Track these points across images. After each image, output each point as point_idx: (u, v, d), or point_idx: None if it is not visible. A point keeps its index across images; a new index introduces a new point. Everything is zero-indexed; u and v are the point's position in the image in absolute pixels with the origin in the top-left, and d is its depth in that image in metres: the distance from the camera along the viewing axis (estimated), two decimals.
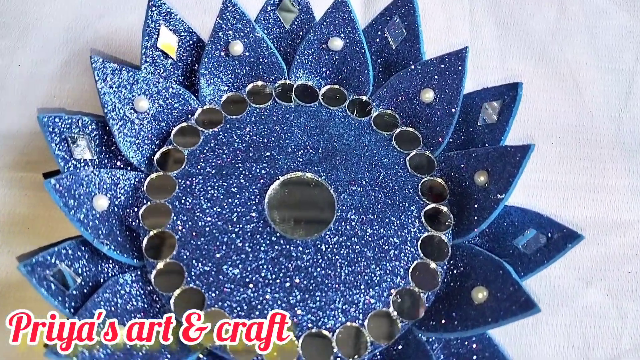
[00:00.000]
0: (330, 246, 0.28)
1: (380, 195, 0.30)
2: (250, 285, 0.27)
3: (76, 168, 0.29)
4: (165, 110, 0.32)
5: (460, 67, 0.31)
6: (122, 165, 0.30)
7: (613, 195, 0.34)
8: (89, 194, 0.27)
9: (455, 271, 0.28)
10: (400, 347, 0.27)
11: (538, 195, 0.33)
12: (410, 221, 0.30)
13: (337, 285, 0.27)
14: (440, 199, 0.30)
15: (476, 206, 0.29)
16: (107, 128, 0.30)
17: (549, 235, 0.27)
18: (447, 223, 0.30)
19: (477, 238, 0.30)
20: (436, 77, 0.32)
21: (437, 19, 0.40)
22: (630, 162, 0.35)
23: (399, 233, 0.29)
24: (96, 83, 0.29)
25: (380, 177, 0.31)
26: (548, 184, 0.34)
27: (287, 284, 0.27)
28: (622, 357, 0.29)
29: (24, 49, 0.37)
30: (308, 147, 0.32)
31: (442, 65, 0.32)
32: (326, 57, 0.34)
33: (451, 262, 0.29)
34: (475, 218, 0.29)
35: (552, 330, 0.30)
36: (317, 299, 0.27)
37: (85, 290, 0.26)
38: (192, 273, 0.27)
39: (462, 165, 0.31)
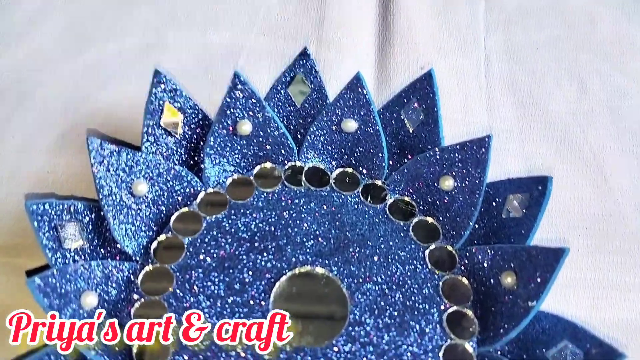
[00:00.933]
0: (343, 356, 0.25)
1: (397, 295, 0.28)
2: None
3: (65, 258, 0.26)
4: (165, 194, 0.29)
5: (483, 156, 0.29)
6: (116, 254, 0.28)
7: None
8: (77, 291, 0.25)
9: None
10: None
11: (566, 294, 0.31)
12: (430, 327, 0.27)
13: None
14: (463, 300, 0.28)
15: (503, 310, 0.27)
16: (102, 213, 0.27)
17: (586, 350, 0.24)
18: (471, 329, 0.27)
19: (508, 346, 0.27)
20: (457, 164, 0.30)
21: (453, 96, 0.39)
22: None
23: (419, 341, 0.26)
24: (92, 167, 0.27)
25: (397, 274, 0.28)
26: (577, 282, 0.32)
27: None
28: None
29: (19, 119, 0.35)
30: (319, 237, 0.29)
31: (464, 153, 0.30)
32: (339, 138, 0.32)
33: None
34: (503, 324, 0.26)
35: None
36: None
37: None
38: None
39: (487, 263, 0.28)
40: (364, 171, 0.32)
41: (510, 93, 0.40)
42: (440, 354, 0.26)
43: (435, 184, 0.31)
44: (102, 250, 0.28)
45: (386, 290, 0.28)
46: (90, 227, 0.27)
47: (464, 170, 0.30)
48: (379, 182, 0.32)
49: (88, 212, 0.27)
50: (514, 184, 0.29)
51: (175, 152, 0.31)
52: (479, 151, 0.29)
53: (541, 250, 0.26)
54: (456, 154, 0.30)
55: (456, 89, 0.39)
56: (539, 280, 0.25)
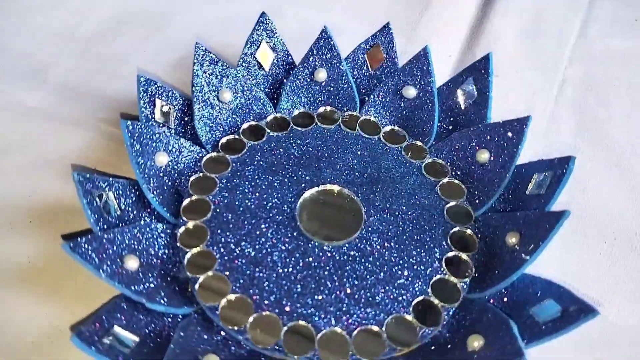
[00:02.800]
0: (344, 258, 0.29)
1: (408, 229, 0.31)
2: (259, 267, 0.28)
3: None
4: (243, 108, 0.36)
5: (519, 134, 0.32)
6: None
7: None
8: (155, 150, 0.31)
9: (460, 319, 0.28)
10: None
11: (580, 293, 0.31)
12: (429, 260, 0.30)
13: (337, 293, 0.28)
14: (467, 250, 0.30)
15: (501, 264, 0.29)
16: (191, 106, 0.34)
17: (564, 307, 0.26)
18: (466, 273, 0.29)
19: (497, 303, 0.28)
20: (495, 139, 0.33)
21: (517, 107, 0.41)
22: None
23: (415, 268, 0.29)
24: (193, 65, 0.34)
25: (414, 215, 0.32)
26: (589, 277, 0.32)
27: (292, 278, 0.28)
28: None
29: (150, 43, 0.44)
30: (355, 170, 0.33)
31: (503, 129, 0.33)
32: (398, 102, 0.36)
33: (461, 312, 0.28)
34: (497, 275, 0.28)
35: None
36: (314, 299, 0.28)
37: (119, 224, 0.29)
38: (213, 239, 0.29)
39: (499, 225, 0.30)
40: (414, 135, 0.36)
41: (575, 117, 0.41)
42: (430, 282, 0.29)
43: (473, 156, 0.34)
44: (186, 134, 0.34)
45: (399, 223, 0.31)
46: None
47: (500, 146, 0.33)
48: (421, 144, 0.35)
49: (182, 101, 0.34)
50: (541, 164, 0.31)
51: (261, 82, 0.37)
52: (517, 129, 0.32)
53: (546, 214, 0.28)
54: (496, 130, 0.33)
55: (522, 102, 0.42)
56: (538, 238, 0.27)
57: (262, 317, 0.27)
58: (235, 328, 0.26)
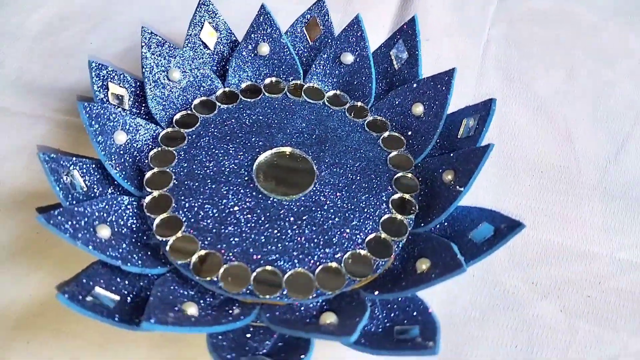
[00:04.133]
0: (301, 209, 0.32)
1: (356, 179, 0.34)
2: (224, 224, 0.31)
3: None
4: (193, 85, 0.38)
5: (447, 85, 0.35)
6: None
7: (585, 229, 0.35)
8: (113, 129, 0.33)
9: (409, 250, 0.31)
10: (343, 301, 0.29)
11: (511, 215, 0.35)
12: (377, 203, 0.33)
13: (298, 239, 0.31)
14: (410, 191, 0.34)
15: (440, 201, 0.32)
16: (143, 88, 0.36)
17: (497, 226, 0.29)
18: (411, 211, 0.33)
19: (441, 234, 0.32)
20: (427, 93, 0.36)
21: (449, 65, 0.45)
22: (608, 205, 0.37)
23: (366, 210, 0.32)
24: (141, 48, 0.36)
25: (361, 166, 0.35)
26: (523, 207, 0.36)
27: (255, 231, 0.31)
28: None
29: (97, 33, 0.45)
30: (304, 133, 0.36)
31: (433, 83, 0.36)
32: (337, 68, 0.39)
33: (409, 245, 0.31)
34: (437, 210, 0.32)
35: (500, 328, 0.31)
36: (277, 246, 0.30)
37: (86, 200, 0.31)
38: (178, 205, 0.31)
39: (436, 166, 0.34)
40: (354, 98, 0.39)
41: (501, 70, 0.46)
42: (380, 221, 0.32)
43: (409, 110, 0.37)
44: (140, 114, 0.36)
45: (348, 175, 0.34)
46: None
47: (432, 98, 0.36)
48: (361, 104, 0.38)
49: (134, 83, 0.36)
50: (468, 110, 0.35)
51: (208, 61, 0.40)
52: (445, 81, 0.36)
53: (474, 149, 0.32)
54: (427, 85, 0.36)
55: (454, 59, 0.46)
56: (469, 171, 0.31)
57: (231, 267, 0.29)
58: (208, 279, 0.29)
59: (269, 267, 0.29)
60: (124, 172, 0.32)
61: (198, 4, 0.39)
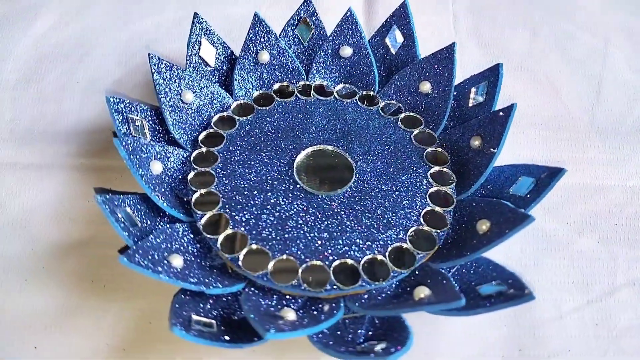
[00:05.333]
0: (352, 199, 0.33)
1: (391, 162, 0.35)
2: (285, 230, 0.31)
3: (135, 141, 0.33)
4: (206, 104, 0.38)
5: (450, 60, 0.38)
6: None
7: (594, 166, 0.39)
8: (147, 161, 0.32)
9: (461, 217, 0.33)
10: (418, 273, 0.30)
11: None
12: (418, 180, 0.34)
13: (359, 228, 0.32)
14: (442, 164, 0.36)
15: (474, 166, 0.34)
16: (160, 113, 0.36)
17: (537, 177, 0.32)
18: (450, 180, 0.35)
19: (478, 197, 0.34)
20: (431, 70, 0.38)
21: (427, 43, 0.47)
22: (605, 141, 0.40)
23: (410, 189, 0.34)
24: (152, 75, 0.35)
25: (390, 149, 0.36)
26: (535, 159, 0.39)
27: (317, 229, 0.32)
28: (618, 291, 0.33)
29: (82, 70, 0.44)
30: (327, 129, 0.37)
31: (435, 60, 0.38)
32: (338, 62, 0.41)
33: (457, 212, 0.33)
34: (475, 174, 0.34)
35: (553, 269, 0.33)
36: (343, 239, 0.31)
37: (142, 236, 0.30)
38: (236, 220, 0.32)
39: (459, 136, 0.36)
40: (359, 88, 0.40)
41: (475, 39, 0.49)
42: (427, 196, 0.34)
43: (417, 89, 0.39)
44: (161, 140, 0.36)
45: (382, 159, 0.35)
46: (152, 122, 0.35)
47: (438, 73, 0.38)
48: (372, 93, 0.40)
49: (150, 112, 0.35)
50: (475, 79, 0.38)
51: (211, 78, 0.40)
52: (447, 56, 0.38)
53: (496, 112, 0.34)
54: (430, 63, 0.38)
55: (430, 37, 0.48)
56: (497, 133, 0.33)
57: (308, 268, 0.30)
58: (290, 284, 0.29)
59: (343, 260, 0.30)
60: (168, 202, 0.32)
61: (192, 22, 0.39)
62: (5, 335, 0.30)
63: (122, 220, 0.29)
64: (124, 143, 0.31)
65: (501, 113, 0.34)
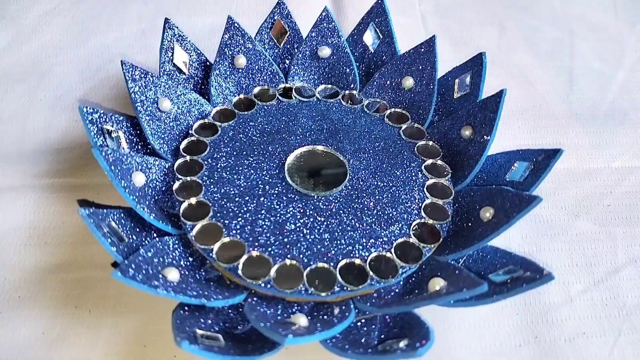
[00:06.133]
0: (349, 197, 0.32)
1: (384, 158, 0.34)
2: (283, 234, 0.30)
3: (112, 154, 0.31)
4: (184, 112, 0.36)
5: (432, 54, 0.37)
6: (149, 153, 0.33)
7: (578, 150, 0.39)
8: (128, 172, 0.30)
9: (460, 207, 0.32)
10: (425, 268, 0.29)
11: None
12: (413, 174, 0.34)
13: (361, 227, 0.30)
14: (434, 156, 0.35)
15: (468, 156, 0.34)
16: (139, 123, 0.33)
17: (534, 160, 0.32)
18: (445, 172, 0.34)
19: (476, 187, 0.33)
20: (413, 65, 0.38)
21: (400, 45, 0.47)
22: (585, 126, 0.41)
23: (406, 183, 0.33)
24: (127, 83, 0.33)
25: (381, 145, 0.35)
26: (523, 146, 0.39)
27: (317, 230, 0.30)
28: (621, 269, 0.32)
29: (45, 87, 0.41)
30: (314, 130, 0.36)
31: (416, 55, 0.38)
32: (317, 63, 0.40)
33: (456, 204, 0.32)
34: (468, 165, 0.33)
35: (556, 253, 0.33)
36: (345, 240, 0.30)
37: (130, 252, 0.28)
38: (229, 228, 0.30)
39: (448, 128, 0.35)
40: (341, 86, 0.39)
41: (446, 39, 0.49)
42: (425, 189, 0.33)
43: (399, 85, 0.38)
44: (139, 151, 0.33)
45: (374, 156, 0.34)
46: (128, 133, 0.33)
47: (419, 68, 0.38)
48: (354, 92, 0.39)
49: (126, 122, 0.33)
50: (458, 70, 0.37)
51: (185, 86, 0.38)
52: (428, 49, 0.37)
53: (486, 99, 0.34)
54: (411, 58, 0.38)
55: (400, 37, 0.48)
56: (489, 120, 0.33)
57: (313, 271, 0.28)
58: (295, 289, 0.27)
59: (349, 260, 0.29)
60: (154, 214, 0.30)
61: (164, 28, 0.37)
62: None
63: (109, 235, 0.27)
64: (103, 154, 0.28)
65: (492, 99, 0.33)
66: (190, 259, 0.29)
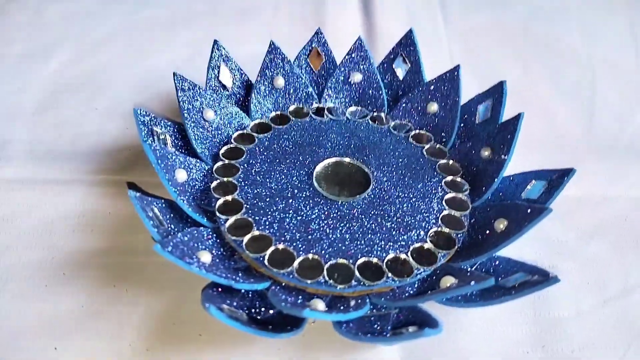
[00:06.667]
0: (371, 204, 0.34)
1: (406, 172, 0.37)
2: (307, 232, 0.32)
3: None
4: (225, 123, 0.39)
5: (456, 81, 0.40)
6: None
7: (596, 177, 0.41)
8: (173, 168, 0.33)
9: (477, 222, 0.34)
10: (440, 272, 0.31)
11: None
12: (433, 188, 0.36)
13: (380, 231, 0.33)
14: (455, 174, 0.37)
15: (486, 174, 0.36)
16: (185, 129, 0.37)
17: (549, 179, 0.34)
18: (464, 189, 0.36)
19: (493, 203, 0.35)
20: (438, 91, 0.41)
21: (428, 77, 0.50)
22: (604, 157, 0.43)
23: (426, 195, 0.35)
24: (177, 92, 0.37)
25: (404, 162, 0.38)
26: None
27: (339, 231, 0.32)
28: (633, 292, 0.33)
29: (101, 99, 0.46)
30: (342, 145, 0.39)
31: (441, 82, 0.41)
32: (349, 88, 0.43)
33: (472, 218, 0.34)
34: (486, 183, 0.35)
35: (568, 271, 0.34)
36: (364, 242, 0.32)
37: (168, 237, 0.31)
38: (259, 223, 0.32)
39: (469, 149, 0.38)
40: (370, 109, 0.42)
41: (472, 75, 0.51)
42: (444, 202, 0.35)
43: (424, 110, 0.41)
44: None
45: (398, 169, 0.37)
46: (174, 137, 0.37)
47: (444, 94, 0.41)
48: (382, 114, 0.42)
49: (173, 127, 0.37)
50: (480, 97, 0.40)
51: (229, 100, 0.41)
52: (453, 77, 0.40)
53: (505, 122, 0.36)
54: (436, 84, 0.41)
55: (430, 74, 0.51)
56: (507, 142, 0.35)
57: (333, 265, 0.30)
58: (316, 280, 0.29)
59: (367, 258, 0.31)
60: (192, 208, 0.33)
61: (212, 49, 0.41)
62: (26, 338, 0.29)
63: (152, 218, 0.30)
64: (152, 148, 0.32)
65: (510, 122, 0.36)
66: (222, 249, 0.32)
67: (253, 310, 0.29)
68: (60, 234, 0.35)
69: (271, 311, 0.29)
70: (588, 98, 0.49)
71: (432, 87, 0.41)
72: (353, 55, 0.43)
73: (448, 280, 0.28)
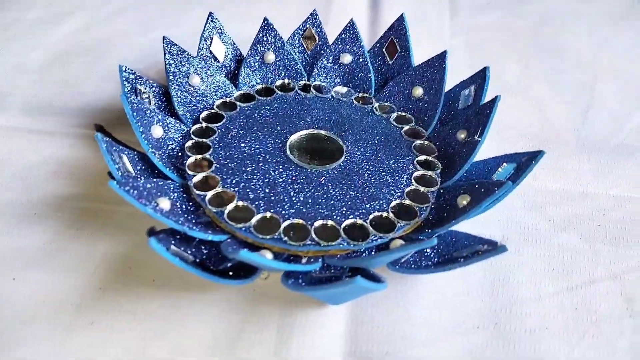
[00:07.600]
0: (339, 174, 0.34)
1: (380, 149, 0.37)
2: (272, 193, 0.33)
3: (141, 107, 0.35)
4: (211, 91, 0.40)
5: (442, 67, 0.40)
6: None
7: (579, 174, 0.40)
8: (150, 124, 0.35)
9: (444, 200, 0.34)
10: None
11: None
12: (405, 165, 0.36)
13: (343, 199, 0.33)
14: (429, 154, 0.37)
15: (459, 157, 0.36)
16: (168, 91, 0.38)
17: (518, 161, 0.33)
18: (435, 167, 0.36)
19: (461, 183, 0.35)
20: (424, 76, 0.41)
21: None
22: (590, 155, 0.42)
23: (396, 172, 0.35)
24: (164, 55, 0.38)
25: (381, 140, 0.38)
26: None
27: (302, 195, 0.33)
28: (598, 282, 0.33)
29: (102, 64, 0.47)
30: (322, 119, 0.39)
31: (427, 67, 0.41)
32: (338, 68, 0.43)
33: (440, 197, 0.34)
34: (459, 164, 0.35)
35: (534, 258, 0.34)
36: (326, 207, 0.32)
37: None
38: (226, 182, 0.33)
39: (447, 132, 0.38)
40: (357, 90, 0.43)
41: (471, 71, 0.51)
42: (413, 178, 0.35)
43: (410, 94, 0.41)
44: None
45: (373, 146, 0.37)
46: (158, 99, 0.38)
47: (430, 79, 0.41)
48: (367, 94, 0.42)
49: (157, 88, 0.38)
50: (463, 83, 0.40)
51: (218, 70, 0.42)
52: (439, 63, 0.41)
53: (481, 105, 0.36)
54: (423, 69, 0.41)
55: None
56: (482, 124, 0.35)
57: (291, 224, 0.31)
58: (270, 237, 0.30)
59: (324, 221, 0.31)
60: (163, 162, 0.34)
61: (207, 20, 0.42)
62: None
63: (117, 162, 0.31)
64: (129, 101, 0.33)
65: (487, 105, 0.35)
66: (187, 204, 0.33)
67: (206, 260, 0.30)
68: (39, 178, 0.36)
69: (225, 265, 0.30)
70: (585, 100, 0.48)
71: (418, 72, 0.41)
72: (344, 36, 0.43)
73: (397, 243, 0.28)
